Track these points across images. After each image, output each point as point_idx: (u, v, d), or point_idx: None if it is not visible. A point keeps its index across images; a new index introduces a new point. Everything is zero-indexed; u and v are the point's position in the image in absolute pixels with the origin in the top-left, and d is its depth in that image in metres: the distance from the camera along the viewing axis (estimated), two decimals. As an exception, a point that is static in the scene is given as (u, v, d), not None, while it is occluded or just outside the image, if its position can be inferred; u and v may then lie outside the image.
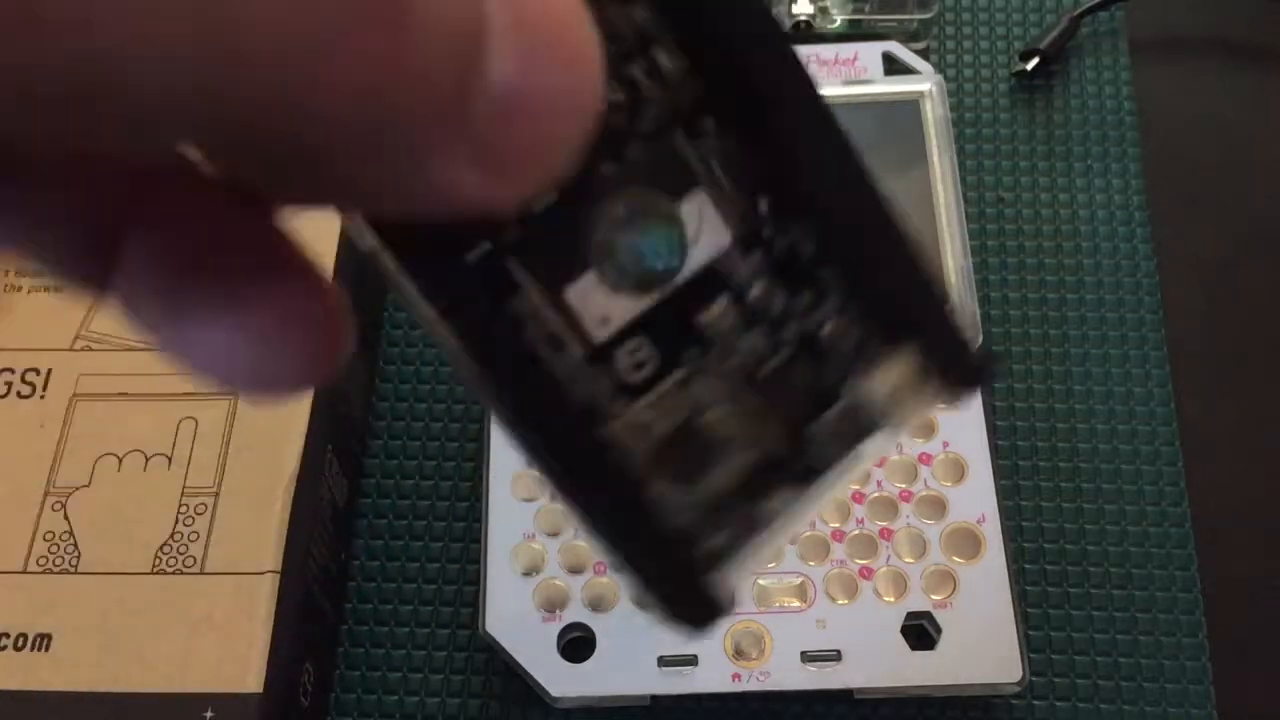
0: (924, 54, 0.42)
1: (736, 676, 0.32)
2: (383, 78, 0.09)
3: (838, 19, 0.43)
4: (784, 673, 0.32)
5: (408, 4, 0.09)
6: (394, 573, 0.35)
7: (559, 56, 0.10)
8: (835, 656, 0.32)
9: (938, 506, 0.34)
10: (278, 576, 0.30)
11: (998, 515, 0.34)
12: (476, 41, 0.09)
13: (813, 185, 0.12)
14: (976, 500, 0.34)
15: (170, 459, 0.31)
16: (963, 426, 0.35)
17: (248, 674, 0.28)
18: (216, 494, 0.31)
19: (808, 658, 0.32)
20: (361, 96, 0.09)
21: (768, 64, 0.12)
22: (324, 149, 0.09)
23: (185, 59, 0.08)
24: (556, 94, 0.10)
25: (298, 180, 0.10)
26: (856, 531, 0.34)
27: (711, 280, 0.13)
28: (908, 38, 0.43)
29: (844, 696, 0.32)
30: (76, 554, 0.30)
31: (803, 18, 0.43)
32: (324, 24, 0.08)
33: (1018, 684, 0.32)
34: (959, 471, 0.34)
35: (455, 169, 0.10)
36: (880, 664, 0.32)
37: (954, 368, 0.13)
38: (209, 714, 0.28)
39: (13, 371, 0.33)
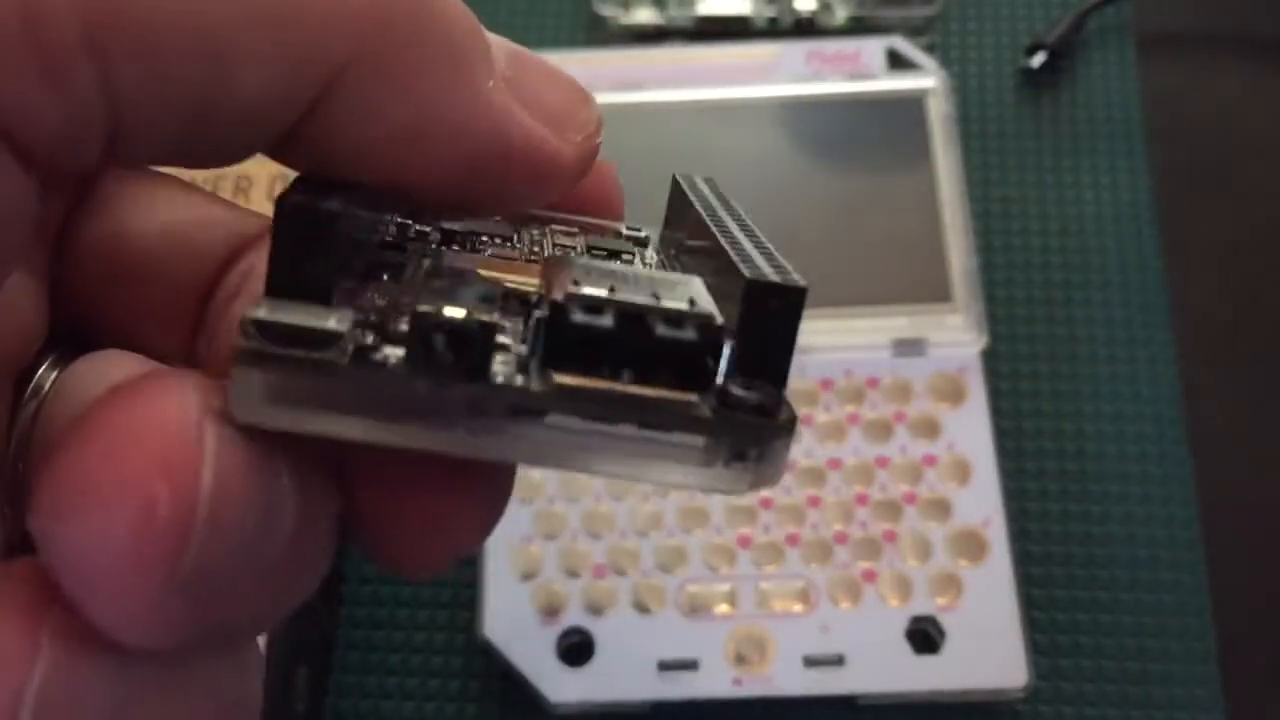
0: (928, 49, 0.42)
1: (738, 681, 0.31)
2: None
3: (840, 14, 0.43)
4: (786, 678, 0.31)
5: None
6: (390, 574, 0.35)
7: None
8: (838, 661, 0.32)
9: (942, 509, 0.33)
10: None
11: (1003, 517, 0.33)
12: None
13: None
14: (981, 502, 0.33)
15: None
16: (967, 427, 0.34)
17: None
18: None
19: (810, 662, 0.32)
20: None
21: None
22: None
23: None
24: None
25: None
26: (860, 534, 0.33)
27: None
28: (912, 33, 0.42)
29: (847, 702, 0.32)
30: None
31: (805, 13, 0.43)
32: None
33: (1023, 689, 0.31)
34: (964, 473, 0.34)
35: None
36: (884, 669, 0.32)
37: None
38: None
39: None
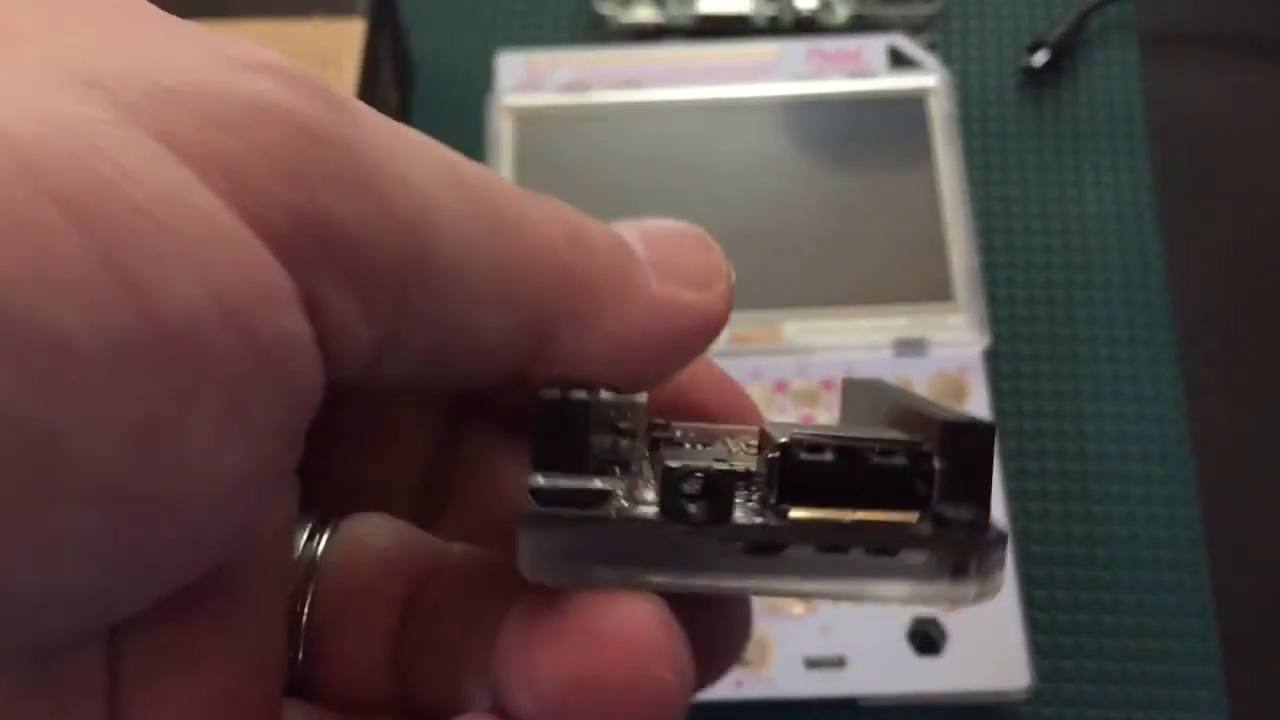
0: (930, 48, 0.41)
1: (739, 683, 0.31)
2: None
3: (841, 12, 0.43)
4: (787, 679, 0.31)
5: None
6: None
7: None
8: (839, 663, 0.31)
9: (943, 509, 0.33)
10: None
11: (1005, 518, 0.33)
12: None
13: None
14: (983, 503, 0.33)
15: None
16: (969, 428, 0.34)
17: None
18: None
19: (811, 664, 0.32)
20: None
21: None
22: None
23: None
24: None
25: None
26: (861, 535, 0.33)
27: None
28: (913, 31, 0.42)
29: (848, 704, 0.32)
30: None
31: (806, 11, 0.42)
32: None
33: (1025, 690, 0.31)
34: (965, 474, 0.34)
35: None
36: (885, 670, 0.31)
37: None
38: None
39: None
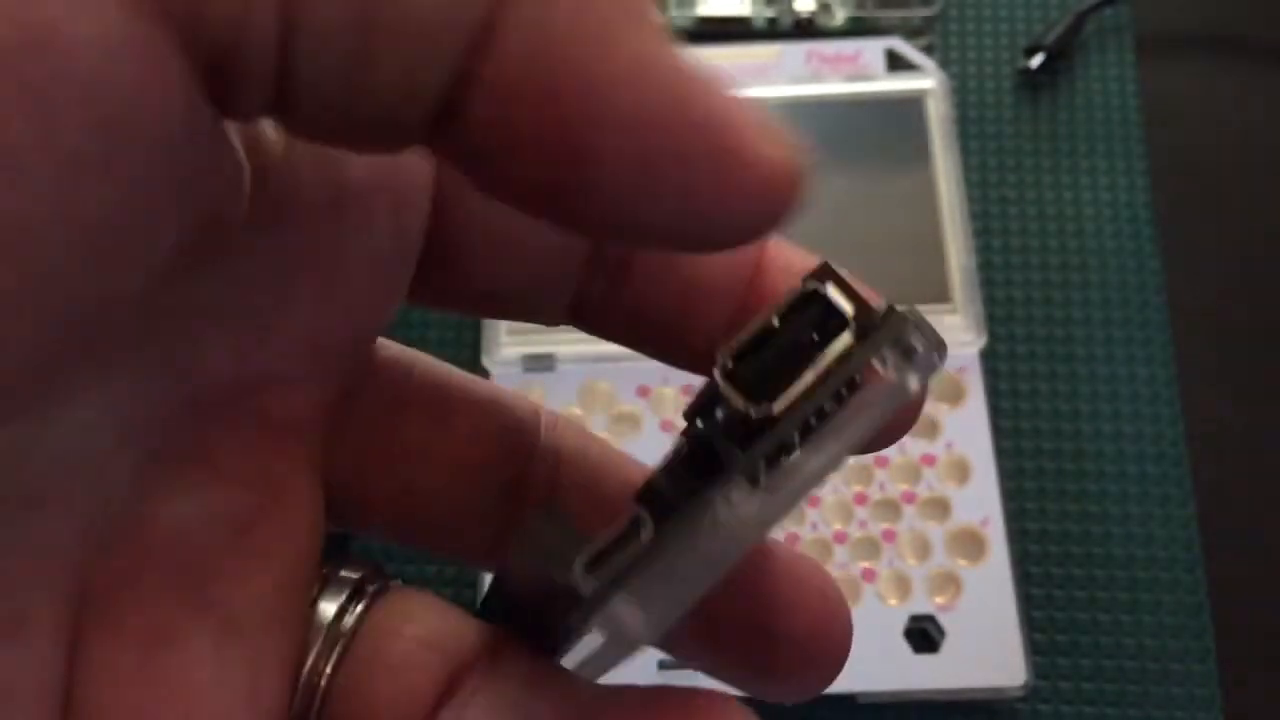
0: (927, 51, 0.42)
1: (737, 680, 0.31)
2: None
3: (840, 15, 0.43)
4: (785, 676, 0.31)
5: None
6: (395, 555, 0.35)
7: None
8: (837, 660, 0.32)
9: (941, 508, 0.34)
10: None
11: (1001, 517, 0.33)
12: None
13: None
14: (980, 502, 0.34)
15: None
16: (966, 427, 0.35)
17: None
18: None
19: (809, 661, 0.32)
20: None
21: None
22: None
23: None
24: None
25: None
26: (859, 534, 0.33)
27: None
28: (911, 34, 0.42)
29: (846, 700, 0.32)
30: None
31: (804, 14, 0.43)
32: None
33: (1022, 688, 0.31)
34: (962, 473, 0.34)
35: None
36: (883, 667, 0.32)
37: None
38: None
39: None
